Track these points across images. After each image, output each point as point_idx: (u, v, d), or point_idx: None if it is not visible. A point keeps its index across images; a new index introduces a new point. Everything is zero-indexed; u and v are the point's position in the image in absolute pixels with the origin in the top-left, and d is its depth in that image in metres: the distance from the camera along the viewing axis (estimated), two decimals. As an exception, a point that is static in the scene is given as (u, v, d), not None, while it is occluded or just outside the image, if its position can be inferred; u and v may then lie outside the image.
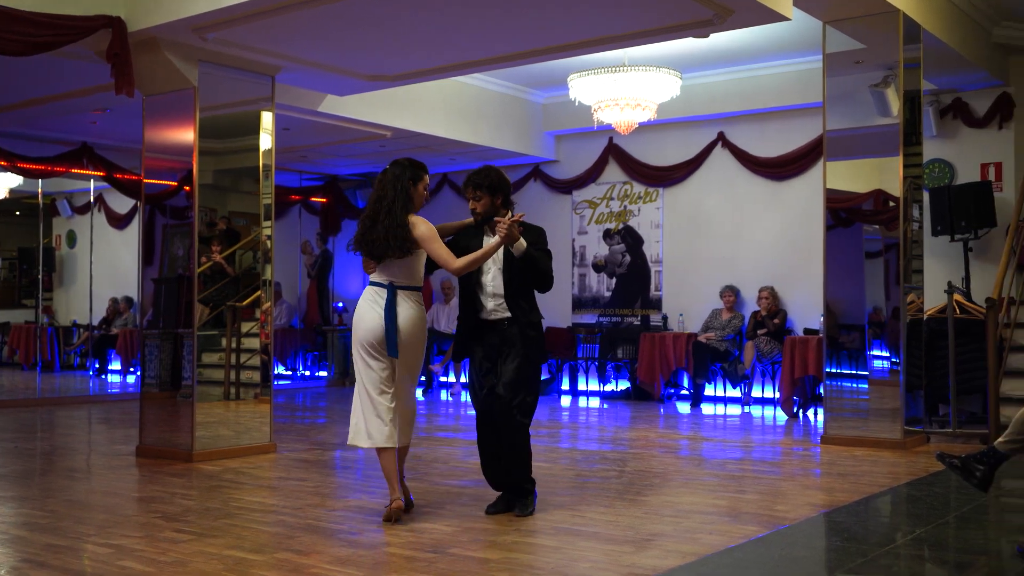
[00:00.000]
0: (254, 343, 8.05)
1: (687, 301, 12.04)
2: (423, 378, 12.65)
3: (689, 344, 11.36)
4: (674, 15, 7.02)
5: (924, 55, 8.39)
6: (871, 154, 8.60)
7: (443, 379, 13.29)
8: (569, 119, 12.24)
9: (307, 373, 15.11)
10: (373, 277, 5.21)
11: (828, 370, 8.41)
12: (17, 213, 14.69)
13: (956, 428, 8.21)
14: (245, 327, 8.06)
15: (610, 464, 7.24)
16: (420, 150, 12.38)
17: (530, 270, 5.25)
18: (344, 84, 8.93)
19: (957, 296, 8.53)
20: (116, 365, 14.64)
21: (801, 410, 10.22)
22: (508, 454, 5.32)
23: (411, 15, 7.15)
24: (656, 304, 12.36)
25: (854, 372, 8.40)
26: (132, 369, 14.08)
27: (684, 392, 11.75)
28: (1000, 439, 4.63)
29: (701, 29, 7.24)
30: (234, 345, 8.01)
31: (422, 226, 5.09)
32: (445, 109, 11.40)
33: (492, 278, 5.29)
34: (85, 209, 14.74)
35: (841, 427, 8.18)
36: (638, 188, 12.54)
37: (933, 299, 8.84)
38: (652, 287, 12.41)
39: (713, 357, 11.27)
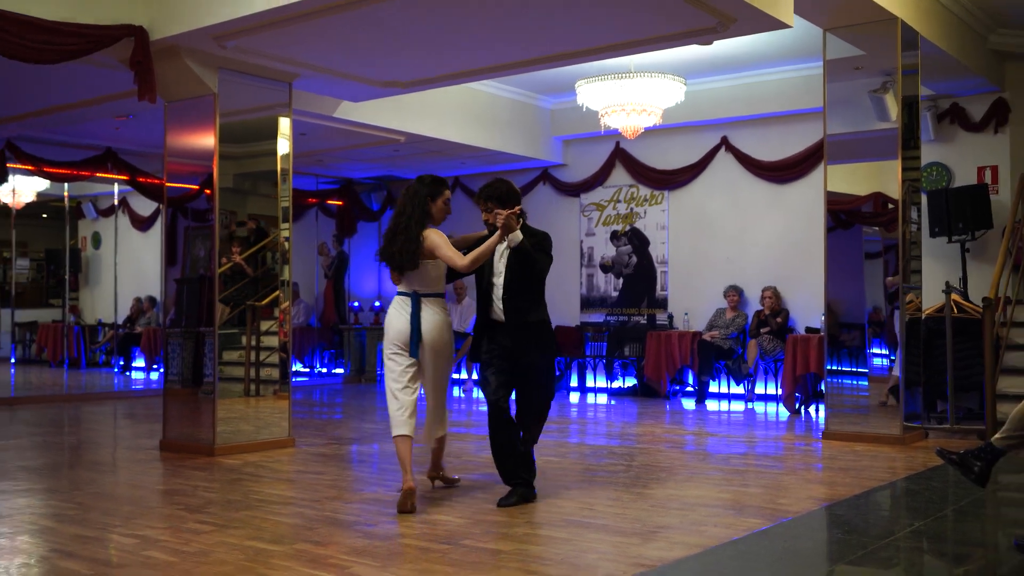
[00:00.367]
0: (273, 341, 8.07)
1: (692, 300, 12.03)
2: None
3: (694, 342, 11.35)
4: (679, 23, 7.01)
5: (922, 61, 8.36)
6: (870, 158, 8.57)
7: (455, 375, 13.29)
8: (577, 124, 12.22)
9: (324, 370, 15.13)
10: (400, 288, 5.51)
11: (829, 367, 8.39)
12: (44, 216, 14.75)
13: (954, 424, 8.18)
14: (264, 326, 8.08)
15: (618, 458, 7.24)
16: (432, 154, 12.40)
17: (525, 265, 5.37)
18: (359, 90, 8.94)
19: (955, 296, 8.50)
20: (140, 362, 14.70)
21: (803, 406, 10.19)
22: (527, 439, 5.57)
23: (424, 24, 7.16)
24: (662, 303, 12.34)
25: (855, 369, 8.38)
26: (155, 366, 14.13)
27: (689, 389, 11.74)
28: (997, 435, 4.61)
29: (705, 36, 7.23)
30: (254, 343, 8.03)
31: (432, 236, 5.37)
32: (457, 115, 11.40)
33: (502, 280, 5.43)
34: (110, 212, 14.80)
35: (842, 423, 8.16)
36: (644, 191, 12.53)
37: (931, 299, 8.81)
38: (658, 287, 12.40)
39: (717, 355, 11.26)
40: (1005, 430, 4.57)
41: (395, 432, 5.35)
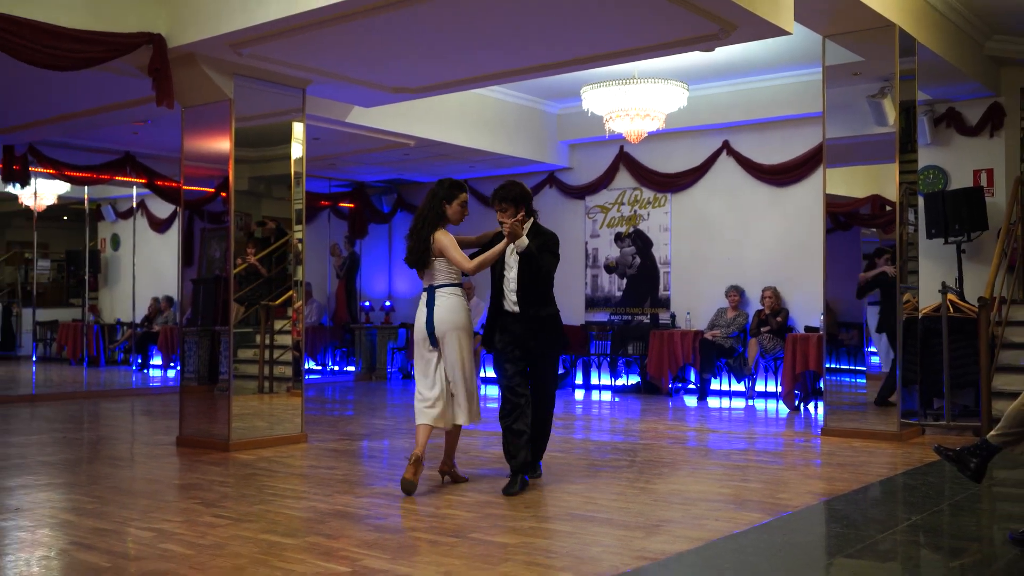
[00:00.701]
0: (286, 340, 8.08)
1: (694, 300, 12.01)
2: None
3: (696, 341, 11.33)
4: (681, 30, 7.00)
5: (919, 67, 8.33)
6: (869, 161, 8.57)
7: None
8: (582, 129, 12.22)
9: (336, 368, 15.15)
10: (423, 284, 5.79)
11: (828, 366, 8.37)
12: (65, 218, 14.81)
13: (950, 421, 8.15)
14: (278, 325, 8.09)
15: (621, 454, 7.23)
16: (442, 158, 12.40)
17: (532, 267, 5.65)
18: (370, 96, 8.95)
19: (951, 296, 8.47)
20: (157, 360, 14.74)
21: (802, 403, 10.18)
22: (538, 426, 5.80)
23: (433, 32, 7.16)
24: (664, 303, 12.33)
25: (853, 368, 8.36)
26: (172, 364, 14.16)
27: (691, 386, 11.72)
28: (992, 432, 4.59)
29: (707, 43, 7.21)
30: (268, 342, 8.04)
31: (441, 239, 5.65)
32: (465, 119, 11.41)
33: (514, 274, 5.69)
34: (128, 214, 14.84)
35: (840, 420, 8.15)
36: (647, 194, 12.51)
37: (928, 298, 8.79)
38: (661, 287, 12.38)
39: (719, 353, 11.24)
40: (1000, 427, 4.56)
41: (416, 421, 5.68)
